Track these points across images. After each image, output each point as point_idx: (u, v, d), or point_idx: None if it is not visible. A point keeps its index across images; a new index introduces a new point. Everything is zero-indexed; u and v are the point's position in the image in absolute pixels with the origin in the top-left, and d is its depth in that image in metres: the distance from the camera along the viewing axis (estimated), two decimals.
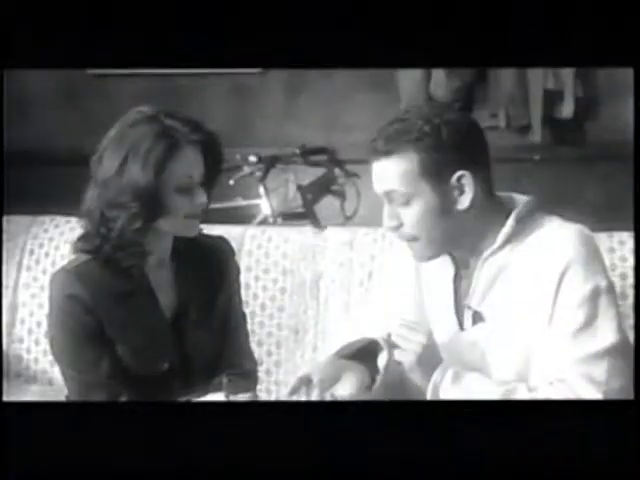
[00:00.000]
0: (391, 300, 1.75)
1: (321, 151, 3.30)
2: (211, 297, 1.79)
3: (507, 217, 1.57)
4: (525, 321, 1.52)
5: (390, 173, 1.53)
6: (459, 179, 1.53)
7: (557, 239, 1.53)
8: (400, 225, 1.56)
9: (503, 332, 1.55)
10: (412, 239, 1.57)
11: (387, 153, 1.53)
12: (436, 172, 1.52)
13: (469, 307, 1.59)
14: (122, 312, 1.68)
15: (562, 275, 1.49)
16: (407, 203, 1.53)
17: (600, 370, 1.46)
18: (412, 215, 1.54)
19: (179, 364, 1.73)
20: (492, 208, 1.58)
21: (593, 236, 1.58)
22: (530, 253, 1.54)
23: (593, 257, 1.53)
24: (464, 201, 1.54)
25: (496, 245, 1.56)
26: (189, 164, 1.65)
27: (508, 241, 1.56)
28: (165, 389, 1.70)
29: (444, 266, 1.65)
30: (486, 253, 1.57)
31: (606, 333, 1.48)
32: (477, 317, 1.59)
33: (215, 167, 1.72)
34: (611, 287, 1.53)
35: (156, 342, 1.71)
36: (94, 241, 1.66)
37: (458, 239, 1.58)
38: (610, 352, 1.47)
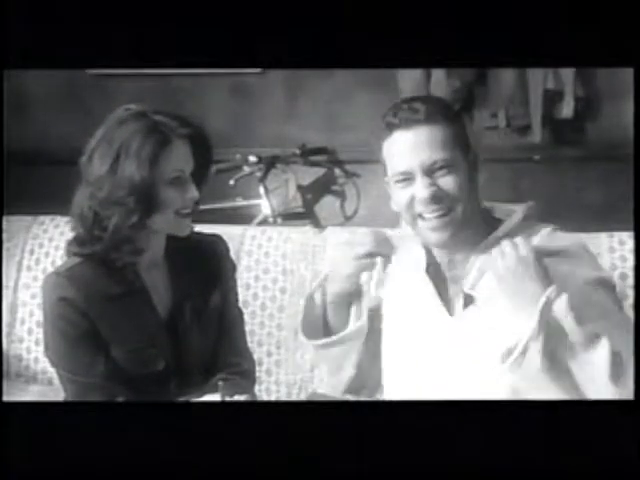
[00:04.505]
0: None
1: (321, 151, 3.30)
2: (205, 296, 1.79)
3: (488, 224, 1.59)
4: (517, 305, 1.47)
5: (433, 140, 1.52)
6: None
7: (555, 245, 1.54)
8: (439, 193, 1.52)
9: (495, 314, 1.51)
10: (446, 213, 1.53)
11: (428, 119, 1.52)
12: (465, 141, 1.56)
13: (461, 290, 1.56)
14: (116, 313, 1.68)
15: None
16: (447, 172, 1.52)
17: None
18: (453, 182, 1.52)
19: (175, 364, 1.73)
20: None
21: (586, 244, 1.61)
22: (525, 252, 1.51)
23: (594, 259, 1.59)
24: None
25: (496, 235, 1.56)
26: (179, 158, 1.65)
27: (503, 237, 1.54)
28: (162, 389, 1.70)
29: (416, 258, 1.63)
30: (481, 245, 1.56)
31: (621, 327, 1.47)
32: (468, 300, 1.55)
33: (204, 161, 1.73)
34: (613, 284, 1.57)
35: (151, 342, 1.71)
36: (88, 245, 1.66)
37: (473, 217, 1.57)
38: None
